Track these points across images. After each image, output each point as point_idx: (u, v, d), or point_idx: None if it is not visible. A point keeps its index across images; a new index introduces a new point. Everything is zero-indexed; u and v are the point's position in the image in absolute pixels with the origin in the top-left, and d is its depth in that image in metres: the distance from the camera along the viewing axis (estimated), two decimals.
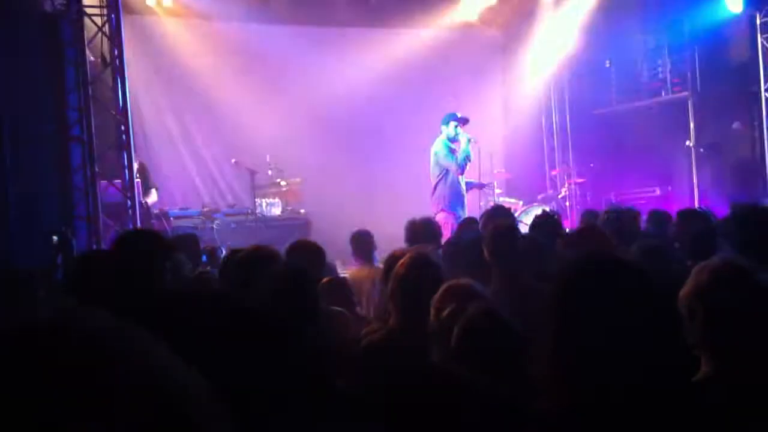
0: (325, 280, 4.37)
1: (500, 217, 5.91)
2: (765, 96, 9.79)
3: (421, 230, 5.66)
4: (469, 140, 9.12)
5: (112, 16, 8.08)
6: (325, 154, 11.29)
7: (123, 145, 7.92)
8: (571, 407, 1.91)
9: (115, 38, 8.06)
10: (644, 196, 10.58)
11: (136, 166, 7.99)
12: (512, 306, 3.78)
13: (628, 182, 11.03)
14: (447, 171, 9.12)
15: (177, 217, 9.09)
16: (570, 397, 1.92)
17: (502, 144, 12.86)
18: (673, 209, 6.57)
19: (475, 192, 9.96)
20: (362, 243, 6.24)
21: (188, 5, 10.68)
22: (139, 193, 7.96)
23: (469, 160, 9.23)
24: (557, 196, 11.51)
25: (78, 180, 7.56)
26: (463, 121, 9.29)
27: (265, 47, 11.27)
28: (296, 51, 11.51)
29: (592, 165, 11.68)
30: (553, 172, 12.26)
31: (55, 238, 5.57)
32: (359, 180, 11.51)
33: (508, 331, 2.66)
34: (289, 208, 10.45)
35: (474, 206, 9.81)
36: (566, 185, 11.44)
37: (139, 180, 8.08)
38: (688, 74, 11.06)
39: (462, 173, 9.22)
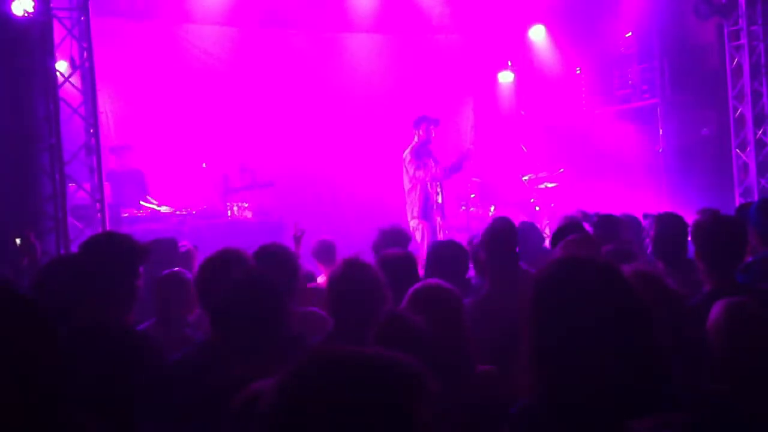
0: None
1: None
2: (733, 103, 9.92)
3: (390, 237, 5.69)
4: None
5: (82, 18, 7.99)
6: (298, 159, 11.28)
7: (92, 148, 7.82)
8: (549, 404, 1.93)
9: (84, 41, 7.97)
10: (613, 201, 10.68)
11: None
12: (506, 305, 3.82)
13: (598, 187, 11.13)
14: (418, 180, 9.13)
15: (148, 220, 9.02)
16: (547, 395, 1.94)
17: (475, 148, 12.92)
18: (643, 213, 6.63)
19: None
20: (325, 251, 6.32)
21: (159, 7, 10.61)
22: (108, 196, 7.88)
23: (456, 171, 9.20)
24: (530, 200, 11.60)
25: (46, 183, 7.45)
26: (435, 123, 9.28)
27: (236, 51, 11.26)
28: (269, 55, 11.49)
29: (562, 170, 11.77)
30: (524, 178, 12.34)
31: (18, 241, 5.46)
32: (331, 185, 11.50)
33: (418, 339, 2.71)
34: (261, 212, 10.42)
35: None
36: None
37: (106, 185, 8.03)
38: (658, 82, 11.20)
39: (438, 181, 9.19)
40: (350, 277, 3.47)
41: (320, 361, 1.41)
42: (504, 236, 4.52)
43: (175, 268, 4.61)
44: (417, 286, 3.29)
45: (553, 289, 2.00)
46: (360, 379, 1.36)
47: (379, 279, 3.51)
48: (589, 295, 1.95)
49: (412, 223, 9.19)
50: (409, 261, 4.37)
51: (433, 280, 3.34)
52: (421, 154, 9.15)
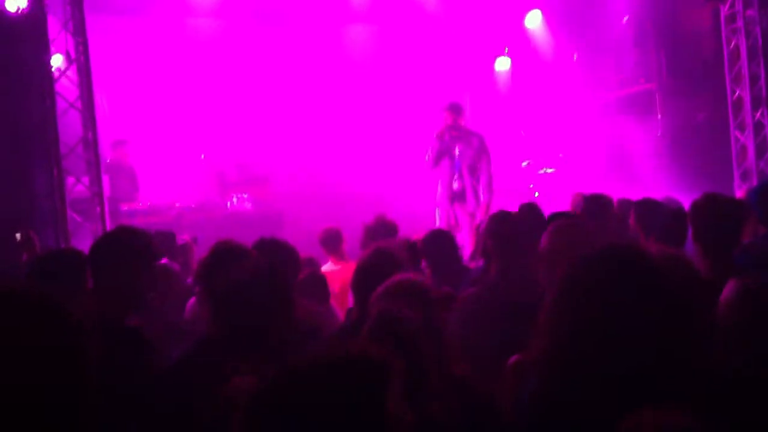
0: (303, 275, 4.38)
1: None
2: (731, 86, 9.90)
3: (376, 230, 5.70)
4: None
5: (76, 12, 7.96)
6: (295, 152, 11.28)
7: (89, 142, 7.81)
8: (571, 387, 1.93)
9: (79, 35, 7.95)
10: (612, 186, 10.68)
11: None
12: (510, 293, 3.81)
13: (597, 172, 11.13)
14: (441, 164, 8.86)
15: (146, 214, 9.02)
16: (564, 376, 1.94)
17: None
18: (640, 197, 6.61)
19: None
20: (331, 239, 6.32)
21: (153, 2, 10.57)
22: (106, 189, 7.89)
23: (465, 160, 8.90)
24: (529, 186, 11.59)
25: (43, 177, 7.46)
26: (446, 108, 8.92)
27: (231, 44, 11.23)
28: (263, 48, 11.47)
29: (561, 155, 11.77)
30: (523, 164, 12.33)
31: (18, 235, 5.48)
32: (329, 177, 11.49)
33: None
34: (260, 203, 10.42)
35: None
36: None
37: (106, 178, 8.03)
38: (654, 67, 11.19)
39: (452, 167, 8.85)
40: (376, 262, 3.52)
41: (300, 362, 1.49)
42: (509, 226, 4.50)
43: (164, 260, 4.62)
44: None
45: (594, 275, 1.99)
46: (331, 377, 1.46)
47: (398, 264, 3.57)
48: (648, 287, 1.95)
49: (437, 212, 9.02)
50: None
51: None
52: (436, 140, 8.86)
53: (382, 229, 5.71)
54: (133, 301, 3.33)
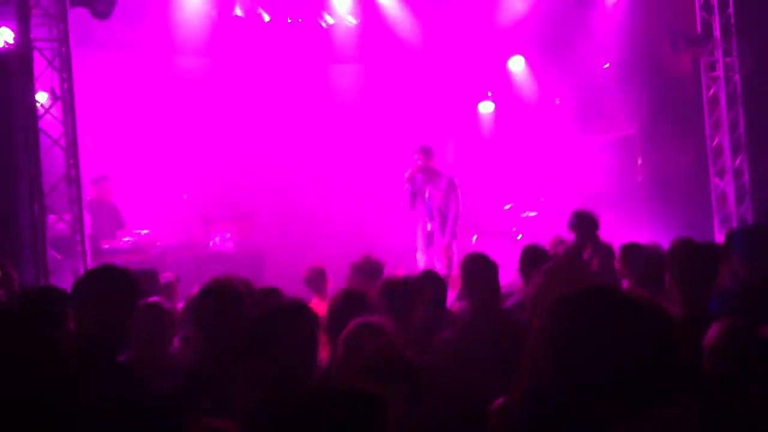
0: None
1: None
2: (710, 132, 10.03)
3: (361, 269, 5.71)
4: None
5: (62, 49, 7.98)
6: (279, 189, 11.29)
7: (72, 179, 7.78)
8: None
9: (65, 72, 7.95)
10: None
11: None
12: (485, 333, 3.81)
13: None
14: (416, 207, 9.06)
15: (128, 252, 8.96)
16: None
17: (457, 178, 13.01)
18: (621, 242, 6.66)
19: None
20: (315, 278, 6.33)
21: (139, 38, 10.62)
22: (88, 227, 7.83)
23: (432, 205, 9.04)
24: (512, 229, 11.65)
25: (26, 214, 7.41)
26: (417, 151, 9.13)
27: (218, 81, 11.28)
28: (248, 86, 11.54)
29: (542, 199, 11.85)
30: (506, 207, 12.39)
31: None
32: (313, 215, 11.50)
33: None
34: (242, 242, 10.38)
35: None
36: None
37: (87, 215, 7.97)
38: (636, 112, 11.34)
39: (425, 210, 9.02)
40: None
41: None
42: (481, 269, 4.53)
43: (155, 298, 4.59)
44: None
45: (580, 315, 2.01)
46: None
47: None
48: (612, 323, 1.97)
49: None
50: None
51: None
52: (408, 183, 9.05)
53: (367, 268, 5.72)
54: (119, 338, 3.30)
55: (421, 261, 9.01)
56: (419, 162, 8.99)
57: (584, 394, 1.92)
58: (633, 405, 1.90)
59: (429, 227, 8.96)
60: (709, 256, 3.92)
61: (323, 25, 11.67)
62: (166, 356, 4.33)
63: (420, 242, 9.06)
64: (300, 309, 3.09)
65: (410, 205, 9.01)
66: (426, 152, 9.05)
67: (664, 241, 5.45)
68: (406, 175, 8.99)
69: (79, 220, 7.70)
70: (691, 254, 3.86)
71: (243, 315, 3.33)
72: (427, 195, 8.97)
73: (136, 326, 4.29)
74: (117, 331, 3.27)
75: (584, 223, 6.95)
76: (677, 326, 2.83)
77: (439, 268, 8.35)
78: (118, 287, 3.33)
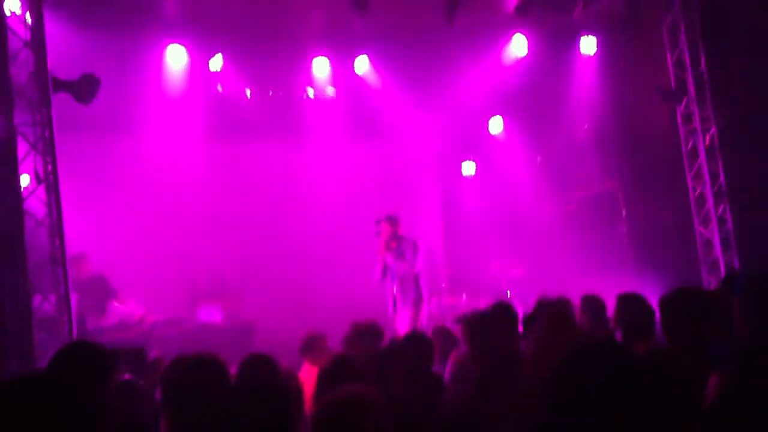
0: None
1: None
2: (692, 184, 10.13)
3: (360, 332, 5.67)
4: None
5: (46, 133, 8.03)
6: (268, 262, 11.28)
7: (57, 260, 7.76)
8: None
9: (48, 155, 7.99)
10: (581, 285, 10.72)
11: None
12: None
13: (565, 271, 11.20)
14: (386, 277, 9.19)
15: (115, 330, 8.88)
16: None
17: (444, 237, 13.09)
18: (609, 296, 6.66)
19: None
20: (313, 345, 6.26)
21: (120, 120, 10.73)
22: (74, 307, 7.77)
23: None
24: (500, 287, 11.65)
25: (10, 297, 7.35)
26: (381, 220, 9.31)
27: (201, 158, 11.37)
28: (237, 160, 11.66)
29: (529, 257, 11.87)
30: (494, 265, 12.41)
31: None
32: (301, 282, 11.47)
33: None
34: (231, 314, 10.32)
35: None
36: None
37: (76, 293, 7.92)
38: (616, 166, 11.47)
39: (391, 279, 9.15)
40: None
41: None
42: (498, 323, 4.50)
43: (127, 376, 4.52)
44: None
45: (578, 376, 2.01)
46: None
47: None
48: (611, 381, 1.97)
49: None
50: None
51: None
52: (378, 255, 9.26)
53: (368, 332, 5.67)
54: (92, 414, 3.24)
55: (391, 327, 9.06)
56: (387, 231, 9.20)
57: None
58: None
59: (394, 293, 9.09)
60: (704, 303, 3.91)
61: (304, 97, 11.83)
62: None
63: (389, 309, 9.20)
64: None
65: (381, 277, 9.22)
66: (391, 221, 9.26)
67: (653, 291, 5.46)
68: (377, 249, 9.19)
69: (65, 300, 7.65)
70: (687, 302, 3.85)
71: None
72: (391, 265, 9.15)
73: (111, 403, 4.24)
74: (90, 406, 3.23)
75: (594, 307, 6.87)
76: (678, 376, 2.84)
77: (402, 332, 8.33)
78: (87, 363, 3.31)
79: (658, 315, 4.81)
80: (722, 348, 4.03)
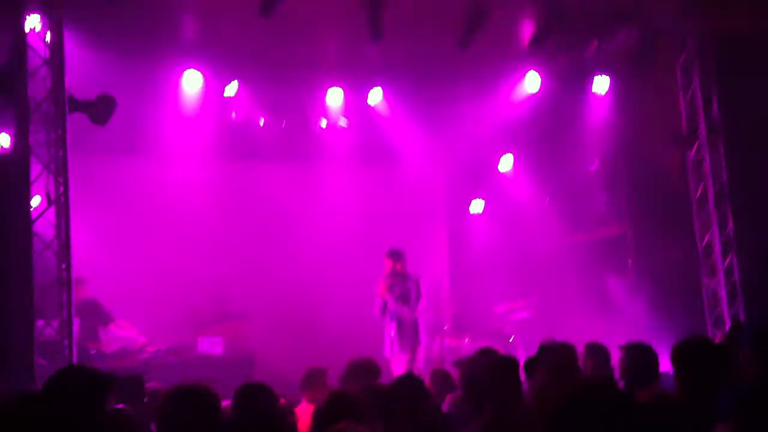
0: None
1: None
2: (700, 231, 10.04)
3: (356, 369, 5.65)
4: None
5: (59, 153, 8.04)
6: (272, 289, 11.26)
7: (63, 284, 7.75)
8: None
9: (61, 176, 8.00)
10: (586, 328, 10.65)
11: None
12: None
13: (570, 315, 11.13)
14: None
15: (115, 357, 8.86)
16: None
17: (449, 276, 13.03)
18: (616, 342, 6.61)
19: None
20: (313, 380, 6.21)
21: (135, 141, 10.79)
22: (76, 333, 7.75)
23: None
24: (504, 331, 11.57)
25: (17, 321, 7.35)
26: (388, 255, 9.25)
27: (210, 183, 11.40)
28: (242, 184, 11.70)
29: (535, 300, 11.81)
30: (499, 308, 12.33)
31: None
32: (306, 313, 11.44)
33: None
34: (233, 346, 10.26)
35: None
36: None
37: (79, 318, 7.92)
38: (625, 210, 11.42)
39: (390, 319, 9.06)
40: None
41: None
42: (509, 369, 4.47)
43: (120, 405, 4.50)
44: None
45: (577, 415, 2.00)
46: None
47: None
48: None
49: None
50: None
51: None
52: (380, 291, 9.17)
53: (364, 370, 5.64)
54: None
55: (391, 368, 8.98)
56: (388, 266, 9.13)
57: None
58: None
59: (392, 335, 9.00)
60: (720, 355, 3.96)
61: (317, 127, 11.88)
62: None
63: (385, 350, 9.09)
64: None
65: (381, 315, 9.13)
66: (394, 256, 9.17)
67: (659, 340, 5.45)
68: (378, 289, 9.10)
69: (67, 324, 7.63)
70: (703, 352, 3.92)
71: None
72: (392, 302, 9.05)
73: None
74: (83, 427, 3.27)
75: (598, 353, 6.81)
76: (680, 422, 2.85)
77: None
78: (81, 387, 3.35)
79: (664, 364, 4.84)
80: (728, 399, 4.02)
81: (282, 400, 4.97)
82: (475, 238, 13.25)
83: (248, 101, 11.23)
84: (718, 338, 7.86)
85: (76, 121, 8.18)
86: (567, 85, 11.45)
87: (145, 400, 5.77)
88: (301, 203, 12.05)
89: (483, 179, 13.20)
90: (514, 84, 11.52)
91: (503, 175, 13.11)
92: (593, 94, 11.40)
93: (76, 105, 8.21)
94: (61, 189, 8.00)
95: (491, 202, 13.30)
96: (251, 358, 9.73)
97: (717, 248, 9.85)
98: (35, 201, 8.04)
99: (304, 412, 5.77)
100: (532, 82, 11.43)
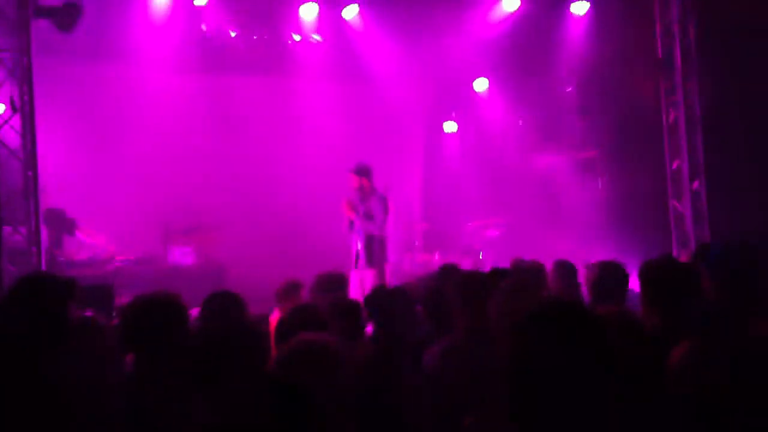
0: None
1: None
2: (670, 156, 10.16)
3: (323, 283, 5.68)
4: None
5: (24, 60, 7.86)
6: (244, 201, 11.23)
7: (30, 192, 7.65)
8: None
9: (26, 84, 7.83)
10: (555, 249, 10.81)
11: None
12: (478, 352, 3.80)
13: (541, 234, 11.26)
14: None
15: (84, 266, 8.82)
16: None
17: (422, 193, 13.09)
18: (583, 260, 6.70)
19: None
20: (287, 292, 6.21)
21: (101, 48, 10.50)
22: (44, 241, 7.70)
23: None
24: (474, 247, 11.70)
25: None
26: (356, 172, 9.13)
27: (180, 94, 11.20)
28: (214, 97, 11.51)
29: (506, 219, 11.92)
30: (469, 225, 12.44)
31: None
32: (277, 226, 11.44)
33: None
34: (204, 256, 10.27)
35: None
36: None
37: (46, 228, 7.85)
38: (598, 134, 11.47)
39: (357, 234, 9.01)
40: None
41: None
42: (479, 282, 4.49)
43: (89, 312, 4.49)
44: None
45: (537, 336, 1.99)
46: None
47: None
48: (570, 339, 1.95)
49: None
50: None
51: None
52: (347, 206, 9.06)
53: (331, 283, 5.68)
54: (47, 343, 3.29)
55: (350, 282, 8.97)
56: (354, 182, 9.01)
57: (552, 416, 1.91)
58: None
59: (358, 249, 8.95)
60: (689, 274, 3.98)
61: (290, 42, 11.65)
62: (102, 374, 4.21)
63: (352, 264, 9.06)
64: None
65: (350, 228, 9.04)
66: (360, 172, 9.04)
67: (625, 260, 5.51)
68: (346, 200, 8.99)
69: (35, 233, 7.57)
70: (674, 271, 3.93)
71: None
72: (357, 223, 8.98)
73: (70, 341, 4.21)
74: (45, 336, 3.27)
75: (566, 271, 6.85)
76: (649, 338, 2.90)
77: (364, 290, 8.23)
78: (42, 292, 3.35)
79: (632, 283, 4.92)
80: (691, 315, 4.11)
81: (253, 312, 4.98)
82: (448, 156, 13.26)
83: (219, 11, 10.94)
84: (683, 258, 8.02)
85: (41, 27, 7.95)
86: (546, 4, 11.32)
87: (114, 314, 5.73)
88: (274, 117, 11.93)
89: (459, 98, 13.12)
90: (492, 2, 11.34)
91: (479, 94, 13.05)
92: (572, 15, 11.27)
93: (41, 11, 7.99)
94: (26, 97, 7.85)
95: (465, 123, 13.27)
96: (222, 269, 9.74)
97: (685, 173, 9.97)
98: (0, 108, 7.89)
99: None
100: (510, 1, 11.26)
